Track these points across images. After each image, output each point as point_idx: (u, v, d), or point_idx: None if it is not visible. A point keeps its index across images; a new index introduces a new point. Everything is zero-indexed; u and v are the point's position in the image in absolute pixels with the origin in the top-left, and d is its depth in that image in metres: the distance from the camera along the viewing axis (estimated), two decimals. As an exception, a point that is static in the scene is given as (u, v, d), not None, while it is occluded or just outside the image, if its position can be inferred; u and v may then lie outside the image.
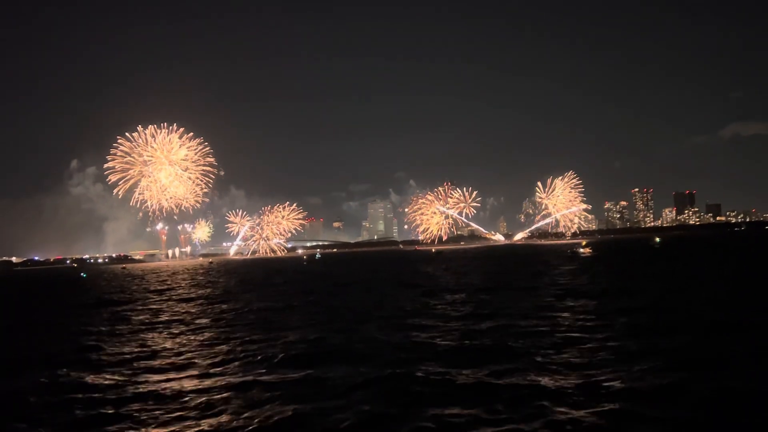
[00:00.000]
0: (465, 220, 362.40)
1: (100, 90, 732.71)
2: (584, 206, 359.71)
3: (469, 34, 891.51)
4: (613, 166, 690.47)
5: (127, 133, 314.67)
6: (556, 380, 20.46)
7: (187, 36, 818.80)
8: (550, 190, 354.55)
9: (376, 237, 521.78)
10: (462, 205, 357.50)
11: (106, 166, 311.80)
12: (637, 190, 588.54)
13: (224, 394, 20.79)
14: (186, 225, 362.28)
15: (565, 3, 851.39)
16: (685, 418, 16.30)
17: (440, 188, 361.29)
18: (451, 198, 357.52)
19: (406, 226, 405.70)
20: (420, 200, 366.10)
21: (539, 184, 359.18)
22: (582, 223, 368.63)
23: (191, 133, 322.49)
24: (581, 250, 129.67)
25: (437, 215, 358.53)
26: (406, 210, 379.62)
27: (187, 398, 20.72)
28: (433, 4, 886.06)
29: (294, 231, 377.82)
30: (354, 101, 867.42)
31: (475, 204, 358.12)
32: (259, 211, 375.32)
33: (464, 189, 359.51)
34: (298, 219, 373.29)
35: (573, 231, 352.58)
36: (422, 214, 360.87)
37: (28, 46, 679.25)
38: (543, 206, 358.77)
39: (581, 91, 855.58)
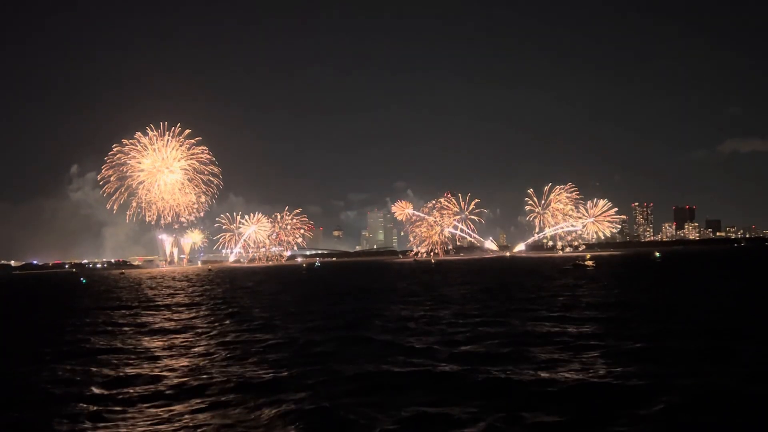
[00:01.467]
0: (462, 234, 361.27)
1: (102, 95, 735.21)
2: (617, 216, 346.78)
3: (469, 45, 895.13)
4: (613, 180, 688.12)
5: (124, 140, 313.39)
6: (537, 382, 20.75)
7: (190, 42, 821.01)
8: (546, 203, 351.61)
9: (375, 246, 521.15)
10: (459, 216, 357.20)
11: (100, 177, 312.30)
12: (636, 204, 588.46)
13: (214, 396, 20.96)
14: (185, 231, 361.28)
15: (565, 17, 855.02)
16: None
17: (441, 200, 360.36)
18: (446, 210, 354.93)
19: (400, 234, 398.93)
20: (414, 214, 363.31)
21: (531, 191, 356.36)
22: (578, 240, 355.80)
23: (199, 137, 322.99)
24: (585, 263, 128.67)
25: (435, 227, 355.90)
26: (402, 219, 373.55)
27: (178, 397, 21.18)
28: (432, 15, 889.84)
29: (296, 242, 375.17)
30: (353, 111, 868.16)
31: (473, 217, 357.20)
32: (256, 214, 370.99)
33: (460, 197, 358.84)
34: (300, 229, 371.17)
35: (581, 245, 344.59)
36: (418, 226, 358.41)
37: (29, 50, 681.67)
38: (536, 217, 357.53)
39: (580, 105, 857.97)
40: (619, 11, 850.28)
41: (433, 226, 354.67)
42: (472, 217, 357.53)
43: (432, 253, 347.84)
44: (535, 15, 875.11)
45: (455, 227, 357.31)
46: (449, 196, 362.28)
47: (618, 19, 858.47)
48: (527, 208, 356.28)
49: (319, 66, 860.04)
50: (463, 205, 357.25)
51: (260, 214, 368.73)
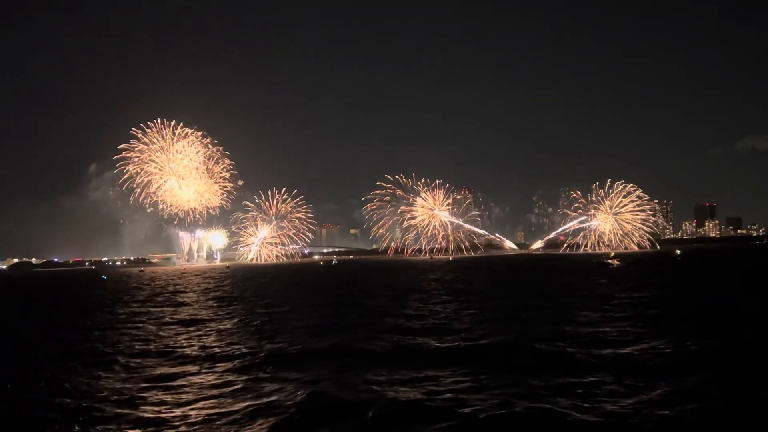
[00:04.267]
0: (473, 228, 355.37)
1: (121, 95, 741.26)
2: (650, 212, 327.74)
3: (480, 45, 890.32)
4: (630, 177, 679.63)
5: (133, 140, 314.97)
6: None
7: (211, 46, 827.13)
8: (561, 202, 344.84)
9: (393, 244, 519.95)
10: (475, 213, 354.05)
11: (118, 166, 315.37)
12: (656, 201, 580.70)
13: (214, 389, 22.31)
14: (202, 229, 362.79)
15: (581, 15, 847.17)
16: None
17: (457, 196, 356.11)
18: (445, 203, 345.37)
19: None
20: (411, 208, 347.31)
21: (538, 195, 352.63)
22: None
23: (215, 140, 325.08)
24: (609, 261, 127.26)
25: (433, 218, 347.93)
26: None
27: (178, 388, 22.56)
28: (447, 12, 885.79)
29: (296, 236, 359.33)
30: (368, 109, 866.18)
31: (476, 219, 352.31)
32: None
33: (464, 193, 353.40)
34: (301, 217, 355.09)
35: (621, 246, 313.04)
36: (417, 218, 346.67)
37: (50, 51, 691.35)
38: (549, 216, 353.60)
39: (595, 103, 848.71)
40: (636, 9, 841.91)
41: (432, 215, 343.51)
42: (475, 218, 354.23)
43: (433, 251, 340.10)
44: (549, 13, 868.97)
45: (474, 220, 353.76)
46: (466, 191, 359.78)
47: (634, 16, 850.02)
48: (536, 211, 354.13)
49: (334, 68, 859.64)
50: (469, 203, 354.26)
51: (288, 198, 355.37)
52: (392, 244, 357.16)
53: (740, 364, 22.40)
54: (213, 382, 23.40)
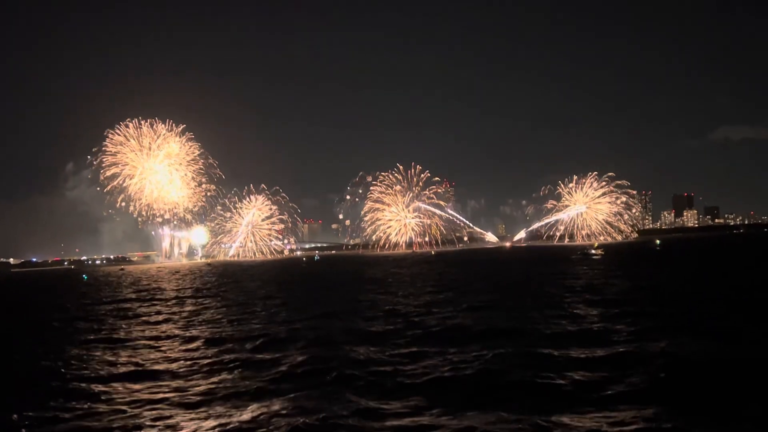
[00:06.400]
0: (453, 217, 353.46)
1: (98, 93, 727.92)
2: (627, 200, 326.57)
3: (463, 37, 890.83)
4: (608, 168, 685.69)
5: (110, 136, 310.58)
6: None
7: (188, 41, 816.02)
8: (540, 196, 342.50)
9: (374, 238, 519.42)
10: (452, 205, 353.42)
11: (90, 175, 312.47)
12: (635, 192, 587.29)
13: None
14: (182, 226, 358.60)
15: (556, 11, 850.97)
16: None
17: (439, 189, 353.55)
18: (425, 194, 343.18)
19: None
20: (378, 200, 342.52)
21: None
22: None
23: (196, 144, 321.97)
24: (592, 251, 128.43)
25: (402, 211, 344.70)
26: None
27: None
28: (433, 12, 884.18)
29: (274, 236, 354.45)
30: (347, 104, 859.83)
31: (458, 210, 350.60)
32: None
33: (445, 186, 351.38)
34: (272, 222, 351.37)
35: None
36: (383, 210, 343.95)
37: (25, 48, 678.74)
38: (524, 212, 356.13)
39: (569, 96, 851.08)
40: (608, 3, 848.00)
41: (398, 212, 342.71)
42: (454, 211, 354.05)
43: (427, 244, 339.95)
44: (529, 8, 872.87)
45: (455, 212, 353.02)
46: (447, 184, 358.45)
47: (608, 9, 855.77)
48: (510, 201, 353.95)
49: (315, 63, 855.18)
50: (450, 195, 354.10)
51: (262, 197, 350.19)
52: (373, 239, 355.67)
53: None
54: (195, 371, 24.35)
